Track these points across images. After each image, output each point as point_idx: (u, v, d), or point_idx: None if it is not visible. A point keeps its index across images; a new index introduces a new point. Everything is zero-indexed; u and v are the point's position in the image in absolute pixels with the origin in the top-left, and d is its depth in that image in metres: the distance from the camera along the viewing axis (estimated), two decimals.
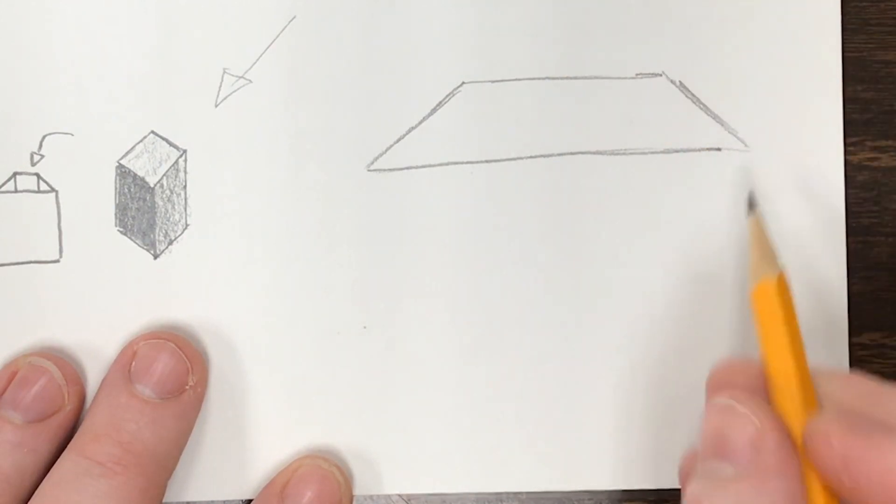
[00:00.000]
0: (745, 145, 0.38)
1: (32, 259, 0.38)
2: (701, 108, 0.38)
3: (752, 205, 0.37)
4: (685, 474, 0.32)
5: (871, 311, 0.38)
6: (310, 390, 0.38)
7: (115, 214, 0.38)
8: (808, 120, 0.38)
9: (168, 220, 0.38)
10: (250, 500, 0.38)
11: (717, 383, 0.32)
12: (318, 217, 0.38)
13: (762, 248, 0.35)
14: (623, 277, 0.38)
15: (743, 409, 0.30)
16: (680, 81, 0.38)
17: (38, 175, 0.38)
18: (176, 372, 0.36)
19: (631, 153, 0.38)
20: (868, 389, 0.31)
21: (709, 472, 0.30)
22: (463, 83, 0.38)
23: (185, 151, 0.38)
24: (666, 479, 0.38)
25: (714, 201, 0.38)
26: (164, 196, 0.38)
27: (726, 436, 0.30)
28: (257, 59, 0.38)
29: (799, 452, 0.30)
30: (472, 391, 0.38)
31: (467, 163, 0.38)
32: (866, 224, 0.39)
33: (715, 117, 0.38)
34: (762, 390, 0.32)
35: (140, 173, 0.38)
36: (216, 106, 0.38)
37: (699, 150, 0.38)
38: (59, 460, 0.36)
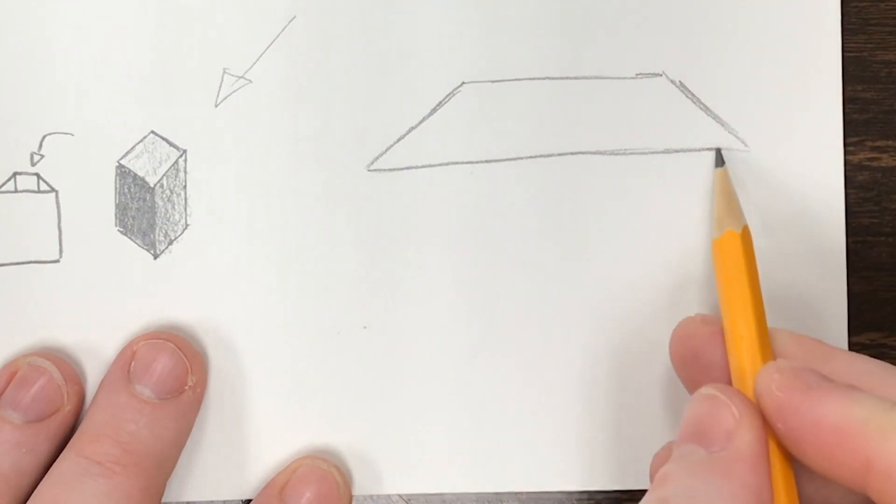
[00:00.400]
0: (745, 145, 0.38)
1: (32, 259, 0.38)
2: (701, 108, 0.38)
3: (719, 160, 0.37)
4: (655, 470, 0.33)
5: (871, 311, 0.38)
6: (310, 390, 0.38)
7: (115, 214, 0.38)
8: (808, 120, 0.38)
9: (168, 220, 0.38)
10: (250, 500, 0.38)
11: (678, 339, 0.34)
12: (318, 217, 0.38)
13: (728, 202, 0.36)
14: (623, 277, 0.38)
15: (725, 398, 0.31)
16: (680, 81, 0.38)
17: (38, 175, 0.38)
18: (175, 372, 0.36)
19: (631, 153, 0.38)
20: (819, 349, 0.33)
21: (682, 454, 0.30)
22: (463, 83, 0.38)
23: (185, 151, 0.38)
24: None
25: (714, 201, 0.38)
26: (164, 196, 0.38)
27: (705, 422, 0.30)
28: (257, 59, 0.38)
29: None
30: (471, 391, 0.38)
31: (467, 163, 0.38)
32: (866, 224, 0.39)
33: (715, 117, 0.38)
34: (721, 349, 0.33)
35: (140, 173, 0.38)
36: (216, 106, 0.38)
37: (699, 150, 0.38)
38: (58, 460, 0.36)
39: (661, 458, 0.33)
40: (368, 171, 0.38)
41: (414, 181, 0.38)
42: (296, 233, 0.38)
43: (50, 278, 0.38)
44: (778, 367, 0.31)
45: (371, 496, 0.38)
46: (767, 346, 0.33)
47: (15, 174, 0.38)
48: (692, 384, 0.34)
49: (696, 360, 0.34)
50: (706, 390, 0.31)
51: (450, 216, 0.38)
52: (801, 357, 0.32)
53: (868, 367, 0.32)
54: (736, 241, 0.34)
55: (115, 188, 0.38)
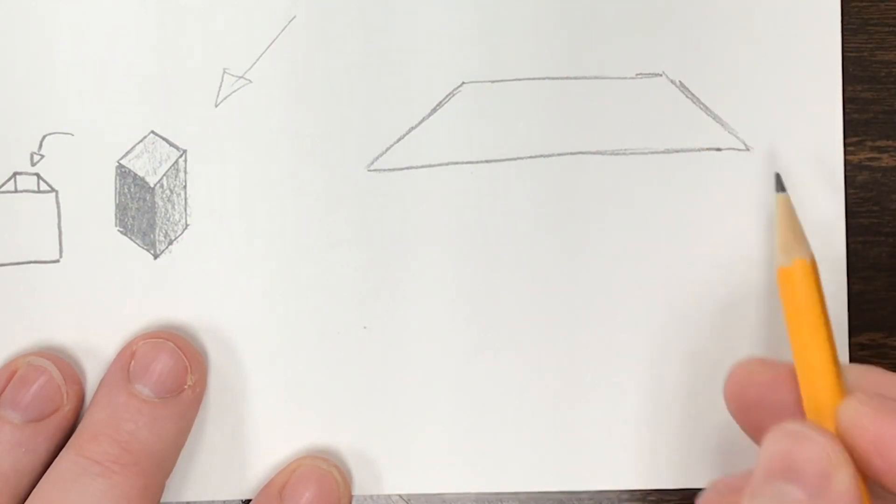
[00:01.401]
0: (745, 145, 0.38)
1: (32, 259, 0.38)
2: (701, 108, 0.38)
3: (780, 185, 0.36)
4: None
5: (871, 311, 0.38)
6: (310, 390, 0.38)
7: (115, 214, 0.38)
8: (808, 120, 0.38)
9: (168, 220, 0.38)
10: (249, 500, 0.38)
11: (738, 385, 0.33)
12: (318, 217, 0.38)
13: (793, 229, 0.35)
14: (622, 277, 0.38)
15: (815, 435, 0.30)
16: (680, 81, 0.38)
17: (38, 175, 0.38)
18: (175, 372, 0.36)
19: (631, 153, 0.38)
20: (885, 378, 0.32)
21: (777, 493, 0.29)
22: (463, 83, 0.38)
23: (185, 151, 0.38)
24: (666, 480, 0.38)
25: (714, 201, 0.38)
26: (164, 196, 0.38)
27: (795, 460, 0.29)
28: (257, 59, 0.38)
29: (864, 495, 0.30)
30: (471, 391, 0.38)
31: (467, 163, 0.38)
32: (866, 224, 0.39)
33: (715, 117, 0.38)
34: (786, 391, 0.32)
35: (140, 173, 0.38)
36: (216, 106, 0.38)
37: (699, 150, 0.38)
38: (57, 459, 0.36)
39: (717, 494, 0.32)
40: (368, 171, 0.38)
41: (414, 181, 0.38)
42: (296, 233, 0.38)
43: (50, 278, 0.38)
44: (862, 400, 0.30)
45: (371, 496, 0.38)
46: (842, 382, 0.32)
47: (15, 174, 0.38)
48: (756, 428, 0.33)
49: (761, 404, 0.33)
50: (791, 426, 0.30)
51: (450, 216, 0.38)
52: (874, 389, 0.31)
53: None
54: (808, 272, 0.33)
55: (115, 188, 0.38)
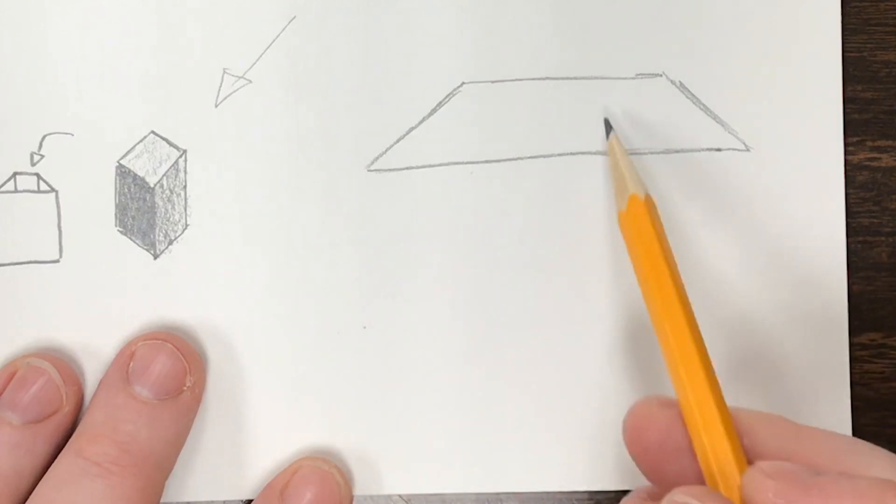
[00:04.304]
0: (745, 145, 0.38)
1: (32, 259, 0.38)
2: (701, 108, 0.38)
3: (609, 127, 0.37)
4: None
5: (871, 311, 0.38)
6: (310, 390, 0.38)
7: (115, 214, 0.38)
8: (808, 120, 0.38)
9: (168, 220, 0.38)
10: (250, 501, 0.38)
11: (635, 428, 0.32)
12: (318, 217, 0.38)
13: (629, 169, 0.35)
14: (622, 277, 0.38)
15: None
16: (680, 81, 0.38)
17: (38, 175, 0.38)
18: (174, 373, 0.36)
19: (631, 153, 0.38)
20: (787, 429, 0.31)
21: None
22: (463, 83, 0.38)
23: (185, 151, 0.38)
24: None
25: (713, 201, 0.38)
26: (164, 196, 0.38)
27: None
28: (257, 59, 0.38)
29: None
30: (471, 391, 0.38)
31: (467, 163, 0.38)
32: (866, 224, 0.39)
33: (715, 117, 0.38)
34: (685, 434, 0.32)
35: (140, 173, 0.38)
36: (216, 106, 0.38)
37: (699, 150, 0.38)
38: (56, 461, 0.36)
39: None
40: (368, 171, 0.38)
41: (414, 181, 0.38)
42: (296, 233, 0.38)
43: (50, 278, 0.38)
44: (766, 471, 0.29)
45: (371, 496, 0.38)
46: (732, 431, 0.31)
47: (15, 174, 0.38)
48: (655, 472, 0.32)
49: (660, 448, 0.32)
50: (679, 498, 0.29)
51: (450, 216, 0.38)
52: (770, 440, 0.31)
53: (841, 445, 0.31)
54: (640, 205, 0.33)
55: (115, 188, 0.38)
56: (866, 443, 0.31)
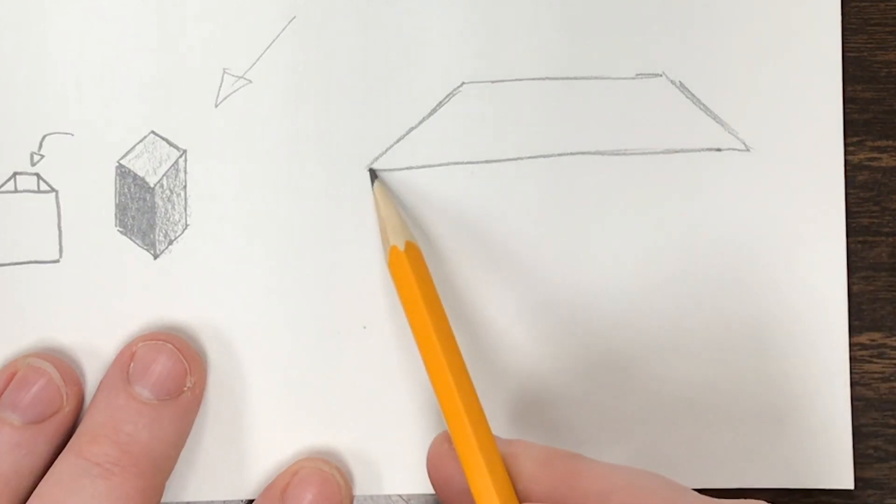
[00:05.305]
0: (745, 145, 0.38)
1: (32, 259, 0.38)
2: (701, 109, 0.38)
3: (373, 175, 0.37)
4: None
5: (871, 311, 0.38)
6: (309, 390, 0.38)
7: (115, 214, 0.38)
8: (808, 120, 0.38)
9: (168, 220, 0.38)
10: (251, 501, 0.38)
11: (432, 463, 0.33)
12: (318, 217, 0.38)
13: (397, 217, 0.36)
14: (623, 277, 0.38)
15: None
16: (680, 81, 0.38)
17: (38, 175, 0.38)
18: (174, 373, 0.36)
19: (631, 153, 0.38)
20: (567, 467, 0.31)
21: None
22: (463, 83, 0.38)
23: (185, 151, 0.38)
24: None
25: (714, 201, 0.38)
26: (164, 196, 0.38)
27: None
28: (257, 59, 0.38)
29: None
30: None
31: (467, 163, 0.38)
32: (866, 224, 0.39)
33: (715, 117, 0.38)
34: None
35: (140, 173, 0.38)
36: (216, 106, 0.38)
37: (699, 150, 0.38)
38: (56, 461, 0.36)
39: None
40: (368, 171, 0.38)
41: (414, 181, 0.38)
42: (295, 233, 0.38)
43: (50, 278, 0.38)
44: None
45: (371, 496, 0.38)
46: (501, 476, 0.31)
47: (15, 174, 0.38)
48: None
49: (450, 485, 0.33)
50: None
51: (450, 216, 0.38)
52: (547, 481, 0.31)
53: (621, 478, 0.31)
54: (400, 256, 0.34)
55: (115, 188, 0.38)
56: (655, 474, 0.31)
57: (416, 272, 0.34)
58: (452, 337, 0.33)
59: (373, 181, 0.37)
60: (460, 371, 0.33)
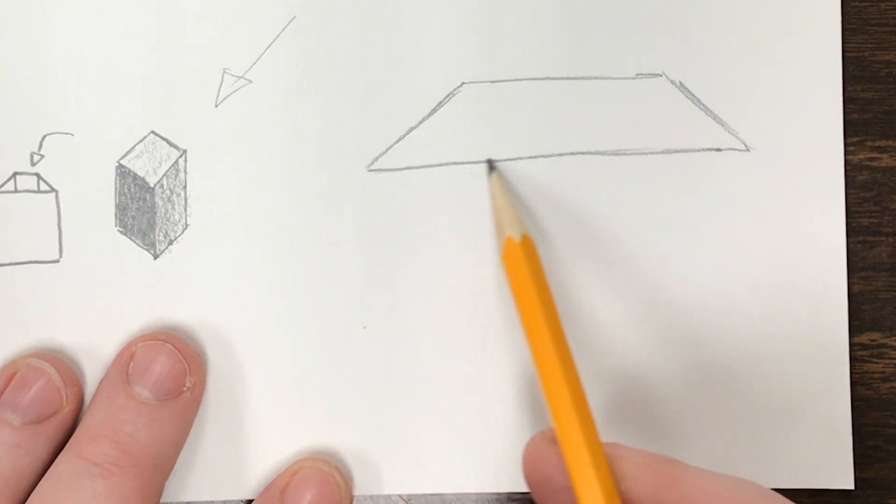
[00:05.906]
0: (745, 146, 0.38)
1: (32, 259, 0.38)
2: (701, 109, 0.38)
3: (491, 166, 0.37)
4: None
5: (871, 311, 0.38)
6: (310, 390, 0.38)
7: (115, 214, 0.38)
8: (808, 120, 0.38)
9: (168, 220, 0.38)
10: (250, 501, 0.38)
11: (529, 463, 0.33)
12: (318, 217, 0.38)
13: (508, 210, 0.35)
14: (622, 277, 0.38)
15: None
16: (680, 81, 0.38)
17: (38, 175, 0.38)
18: (174, 373, 0.36)
19: (631, 153, 0.38)
20: (667, 472, 0.31)
21: None
22: (463, 83, 0.38)
23: (185, 151, 0.38)
24: None
25: (714, 201, 0.38)
26: (164, 196, 0.38)
27: None
28: (257, 59, 0.38)
29: None
30: (471, 391, 0.38)
31: (467, 163, 0.38)
32: (866, 224, 0.39)
33: (715, 117, 0.38)
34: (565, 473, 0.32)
35: (140, 173, 0.38)
36: (216, 106, 0.38)
37: (699, 150, 0.38)
38: (56, 461, 0.36)
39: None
40: (368, 171, 0.38)
41: (414, 181, 0.38)
42: (296, 233, 0.38)
43: (50, 278, 0.38)
44: None
45: (371, 496, 0.38)
46: (606, 477, 0.31)
47: (15, 174, 0.38)
48: None
49: (549, 484, 0.33)
50: None
51: (450, 216, 0.38)
52: (648, 484, 0.31)
53: (720, 487, 0.31)
54: (516, 248, 0.34)
55: (115, 188, 0.38)
56: (754, 484, 0.31)
57: (530, 265, 0.34)
58: (563, 334, 0.33)
59: (490, 172, 0.37)
60: (570, 368, 0.32)
